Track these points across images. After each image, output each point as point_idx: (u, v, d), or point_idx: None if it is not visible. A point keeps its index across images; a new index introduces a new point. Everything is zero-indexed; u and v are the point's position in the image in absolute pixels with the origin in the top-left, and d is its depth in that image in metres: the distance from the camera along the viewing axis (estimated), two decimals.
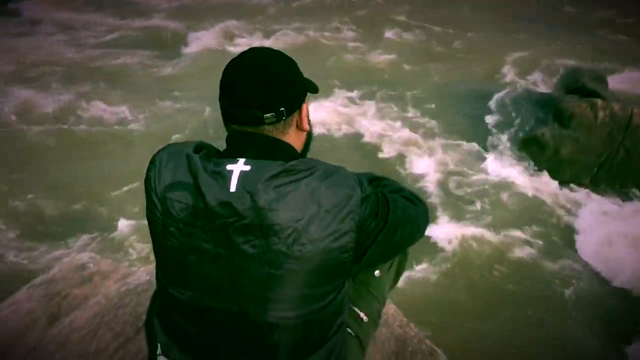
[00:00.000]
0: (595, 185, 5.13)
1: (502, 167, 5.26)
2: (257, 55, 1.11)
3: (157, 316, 1.13)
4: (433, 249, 4.18)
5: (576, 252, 4.29)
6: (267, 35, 8.48)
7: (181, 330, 1.07)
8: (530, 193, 4.93)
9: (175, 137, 5.48)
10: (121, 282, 1.87)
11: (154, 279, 1.88)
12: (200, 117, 6.06)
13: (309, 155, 1.20)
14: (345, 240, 1.00)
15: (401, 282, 1.44)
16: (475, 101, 6.40)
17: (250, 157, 1.02)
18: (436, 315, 3.52)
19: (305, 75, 1.17)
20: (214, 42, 8.23)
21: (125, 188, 4.80)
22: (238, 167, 1.00)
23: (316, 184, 0.99)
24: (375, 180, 1.20)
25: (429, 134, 5.85)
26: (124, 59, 7.73)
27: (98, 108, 6.18)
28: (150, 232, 1.10)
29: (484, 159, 5.44)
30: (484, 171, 5.24)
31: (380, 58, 7.71)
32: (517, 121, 5.84)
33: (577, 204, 4.85)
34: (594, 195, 4.98)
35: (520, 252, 4.22)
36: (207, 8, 9.80)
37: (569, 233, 4.51)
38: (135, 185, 4.70)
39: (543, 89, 6.60)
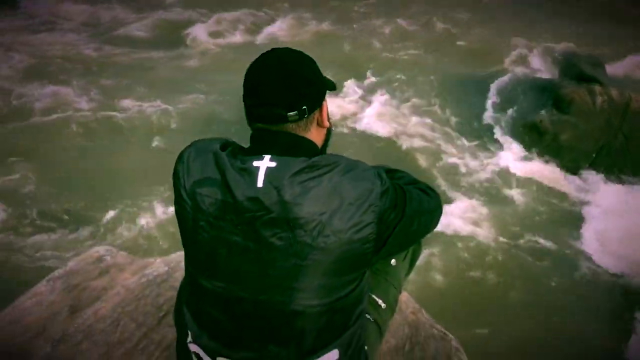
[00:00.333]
0: (594, 170, 5.19)
1: (503, 154, 5.31)
2: (279, 56, 1.15)
3: (186, 305, 1.18)
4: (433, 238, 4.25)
5: (577, 238, 4.36)
6: (278, 26, 8.47)
7: (211, 319, 1.11)
8: (530, 179, 4.99)
9: (196, 130, 5.44)
10: (140, 273, 1.91)
11: (171, 270, 1.94)
12: (220, 109, 6.03)
13: (328, 150, 1.25)
14: (367, 231, 1.05)
15: (412, 272, 1.50)
16: (475, 88, 6.42)
17: (275, 154, 1.07)
18: (445, 303, 3.59)
19: None
20: (229, 33, 8.21)
21: (143, 181, 4.77)
22: (264, 164, 1.05)
23: (338, 179, 1.04)
24: (390, 173, 1.25)
25: (427, 122, 5.87)
26: (140, 53, 7.70)
27: (117, 101, 6.16)
28: (180, 226, 1.14)
29: (484, 145, 5.49)
30: (485, 158, 5.29)
31: (377, 46, 7.72)
32: (516, 107, 5.87)
33: (577, 189, 4.91)
34: (593, 180, 5.04)
35: (522, 239, 4.29)
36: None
37: (569, 219, 4.57)
38: (152, 179, 4.67)
39: (542, 75, 6.62)
